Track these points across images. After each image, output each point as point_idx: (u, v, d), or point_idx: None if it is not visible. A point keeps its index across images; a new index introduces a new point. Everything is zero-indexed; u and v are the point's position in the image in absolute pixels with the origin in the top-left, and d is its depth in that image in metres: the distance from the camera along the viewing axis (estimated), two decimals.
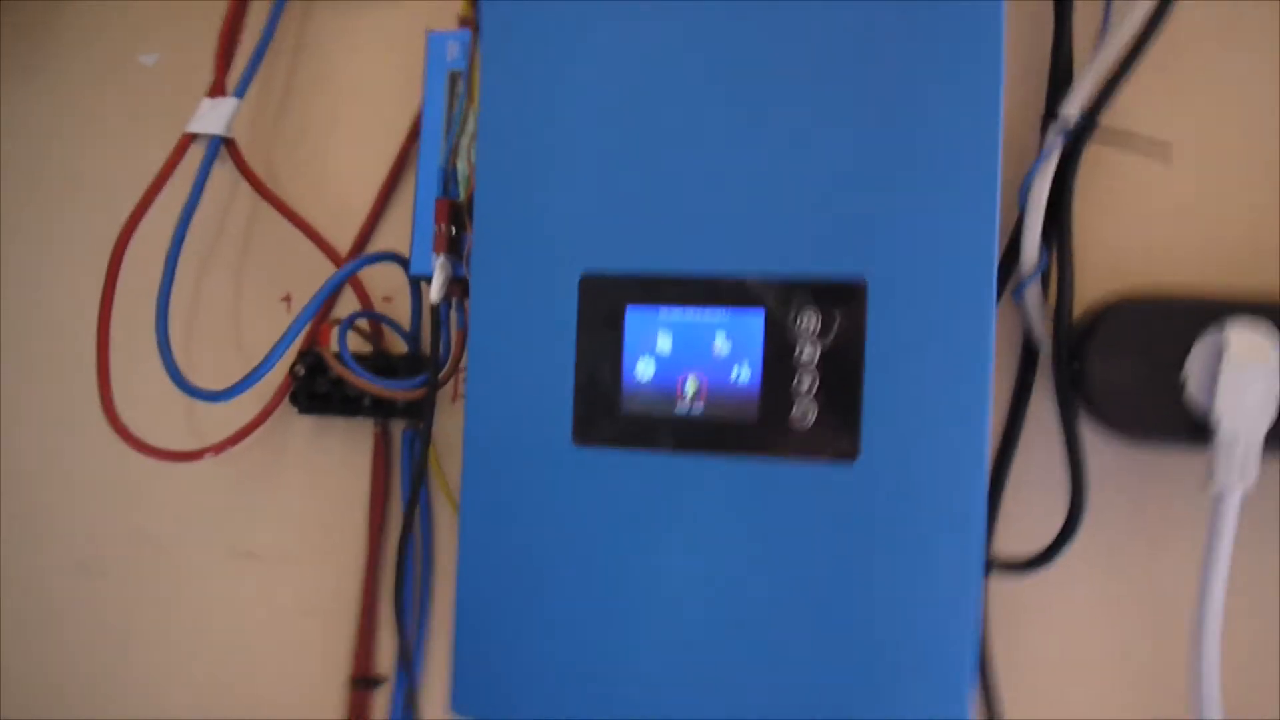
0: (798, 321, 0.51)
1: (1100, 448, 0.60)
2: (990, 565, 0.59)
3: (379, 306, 0.73)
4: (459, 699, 0.55)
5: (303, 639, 0.74)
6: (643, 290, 0.53)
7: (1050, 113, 0.59)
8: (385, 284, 0.73)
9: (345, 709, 0.73)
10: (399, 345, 0.72)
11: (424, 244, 0.63)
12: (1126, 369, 0.55)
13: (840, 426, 0.51)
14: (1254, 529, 0.57)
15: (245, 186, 0.74)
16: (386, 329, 0.72)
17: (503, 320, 0.55)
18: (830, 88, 0.51)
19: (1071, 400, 0.57)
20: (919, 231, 0.50)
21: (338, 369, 0.65)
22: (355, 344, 0.71)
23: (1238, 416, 0.52)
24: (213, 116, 0.70)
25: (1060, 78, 0.60)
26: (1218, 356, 0.53)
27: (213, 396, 0.66)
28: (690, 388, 0.53)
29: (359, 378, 0.64)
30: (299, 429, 0.74)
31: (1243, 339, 0.53)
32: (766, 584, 0.51)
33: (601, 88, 0.54)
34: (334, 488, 0.74)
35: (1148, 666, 0.61)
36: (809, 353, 0.51)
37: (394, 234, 0.73)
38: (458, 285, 0.63)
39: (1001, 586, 0.62)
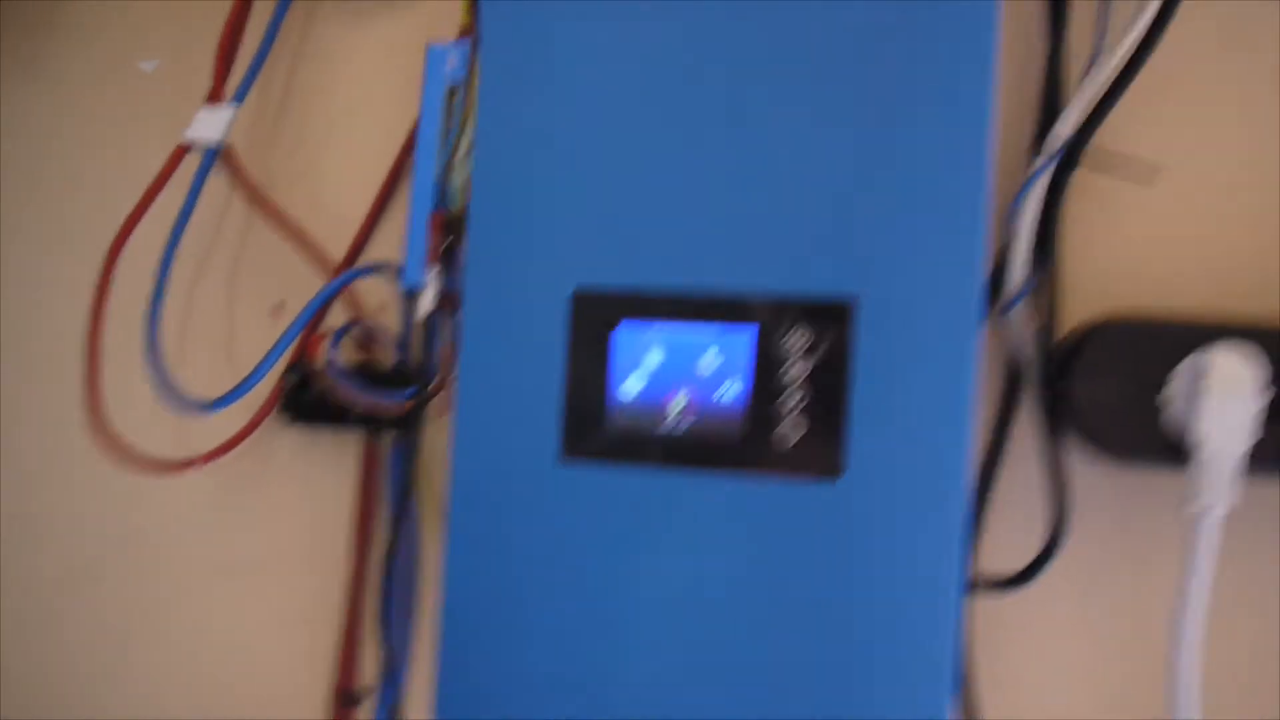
0: (786, 339, 0.52)
1: (1083, 467, 0.60)
2: (973, 582, 0.60)
3: (370, 317, 0.73)
4: (444, 712, 0.55)
5: (287, 649, 0.74)
6: (633, 306, 0.54)
7: (1040, 136, 0.60)
8: (377, 296, 0.73)
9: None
10: (389, 357, 0.72)
11: (417, 256, 0.64)
12: (1110, 390, 0.56)
13: (826, 444, 0.51)
14: (1234, 549, 0.57)
15: (239, 195, 0.74)
16: (377, 341, 0.72)
17: (493, 333, 0.55)
18: (821, 108, 0.52)
19: (1055, 419, 0.58)
20: (907, 251, 0.51)
21: (328, 381, 0.65)
22: (345, 356, 0.71)
23: (1218, 439, 0.53)
24: (210, 124, 0.70)
25: (1051, 102, 0.60)
26: (1199, 379, 0.53)
27: (201, 408, 0.66)
28: (678, 404, 0.53)
29: (348, 390, 0.65)
30: (287, 439, 0.75)
31: (1224, 363, 0.53)
32: (752, 599, 0.52)
33: (595, 105, 0.55)
34: (321, 498, 0.74)
35: (1128, 684, 0.61)
36: (796, 370, 0.52)
37: (388, 244, 0.74)
38: (450, 298, 0.63)
39: (985, 603, 0.63)
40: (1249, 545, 0.59)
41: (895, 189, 0.51)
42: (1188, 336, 0.55)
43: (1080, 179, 0.61)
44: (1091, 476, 0.61)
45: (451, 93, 0.65)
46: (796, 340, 0.52)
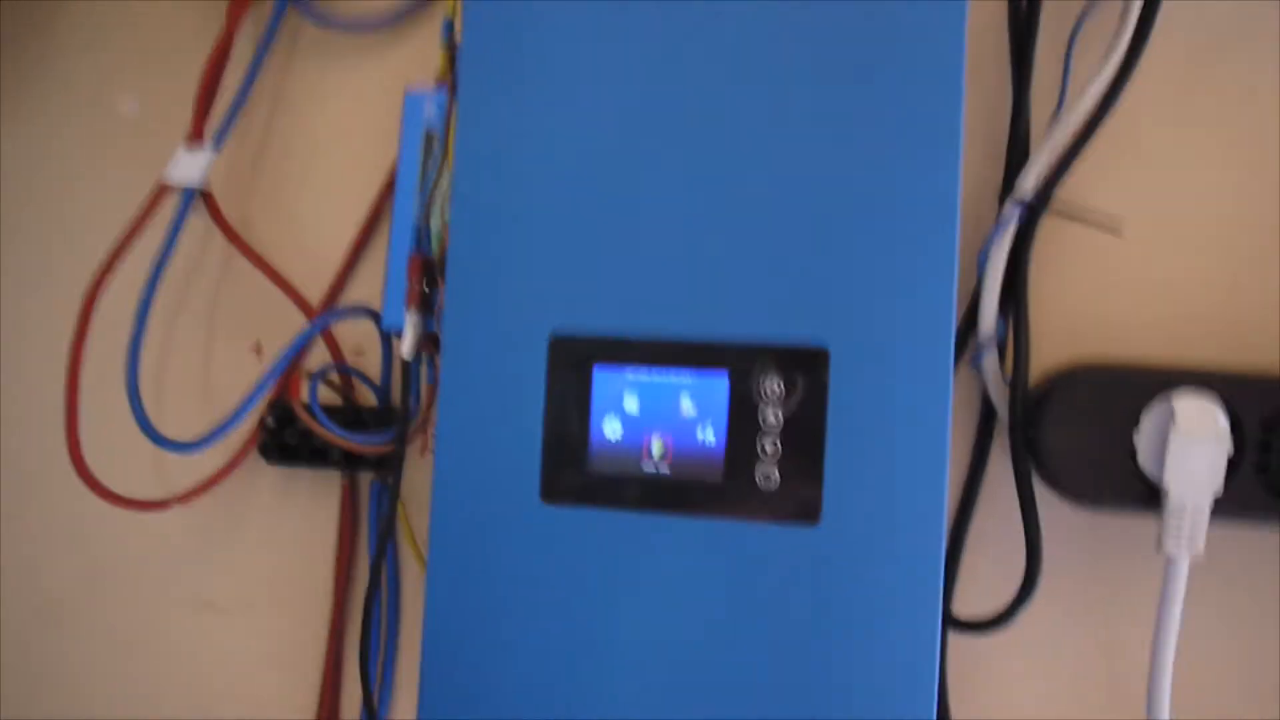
0: (762, 386, 0.53)
1: (1056, 510, 0.61)
2: (949, 624, 0.60)
3: (350, 359, 0.73)
4: None
5: (266, 691, 0.74)
6: (611, 351, 0.54)
7: (1007, 187, 0.61)
8: (356, 337, 0.74)
9: None
10: (369, 397, 0.73)
11: (396, 299, 0.64)
12: (1079, 436, 0.57)
13: (803, 488, 0.52)
14: (1204, 593, 0.59)
15: (219, 236, 0.74)
16: (357, 381, 0.73)
17: (473, 377, 0.56)
18: (795, 160, 0.53)
19: (1027, 465, 0.59)
20: (880, 300, 0.52)
21: (307, 421, 0.65)
22: (325, 396, 0.71)
23: (1185, 485, 0.54)
24: (189, 167, 0.71)
25: (1017, 153, 0.62)
26: (1166, 427, 0.55)
27: (182, 448, 0.66)
28: (656, 448, 0.54)
29: (328, 431, 0.65)
30: (266, 479, 0.75)
31: (1190, 410, 0.54)
32: (731, 641, 0.52)
33: (572, 155, 0.56)
34: (300, 539, 0.74)
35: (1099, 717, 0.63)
36: (773, 416, 0.52)
37: (366, 286, 0.74)
38: (429, 340, 0.64)
39: (960, 644, 0.63)
40: (1218, 590, 0.61)
41: (868, 240, 0.52)
42: (1153, 384, 0.56)
43: (1046, 229, 0.62)
44: (1063, 519, 0.62)
45: (429, 138, 0.66)
46: (773, 386, 0.52)
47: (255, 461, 0.73)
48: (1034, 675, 0.63)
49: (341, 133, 0.76)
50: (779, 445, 0.52)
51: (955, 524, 0.63)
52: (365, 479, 0.73)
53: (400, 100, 0.67)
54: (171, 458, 0.75)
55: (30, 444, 0.79)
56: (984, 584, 0.63)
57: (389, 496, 0.66)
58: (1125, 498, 0.56)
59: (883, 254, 0.52)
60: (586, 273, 0.55)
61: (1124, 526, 0.62)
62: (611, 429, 0.54)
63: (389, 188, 0.73)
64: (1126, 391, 0.56)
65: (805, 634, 0.52)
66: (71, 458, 0.67)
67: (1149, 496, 0.55)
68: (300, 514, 0.74)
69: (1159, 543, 0.55)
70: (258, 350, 0.75)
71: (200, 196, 0.72)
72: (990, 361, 0.60)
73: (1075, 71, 0.61)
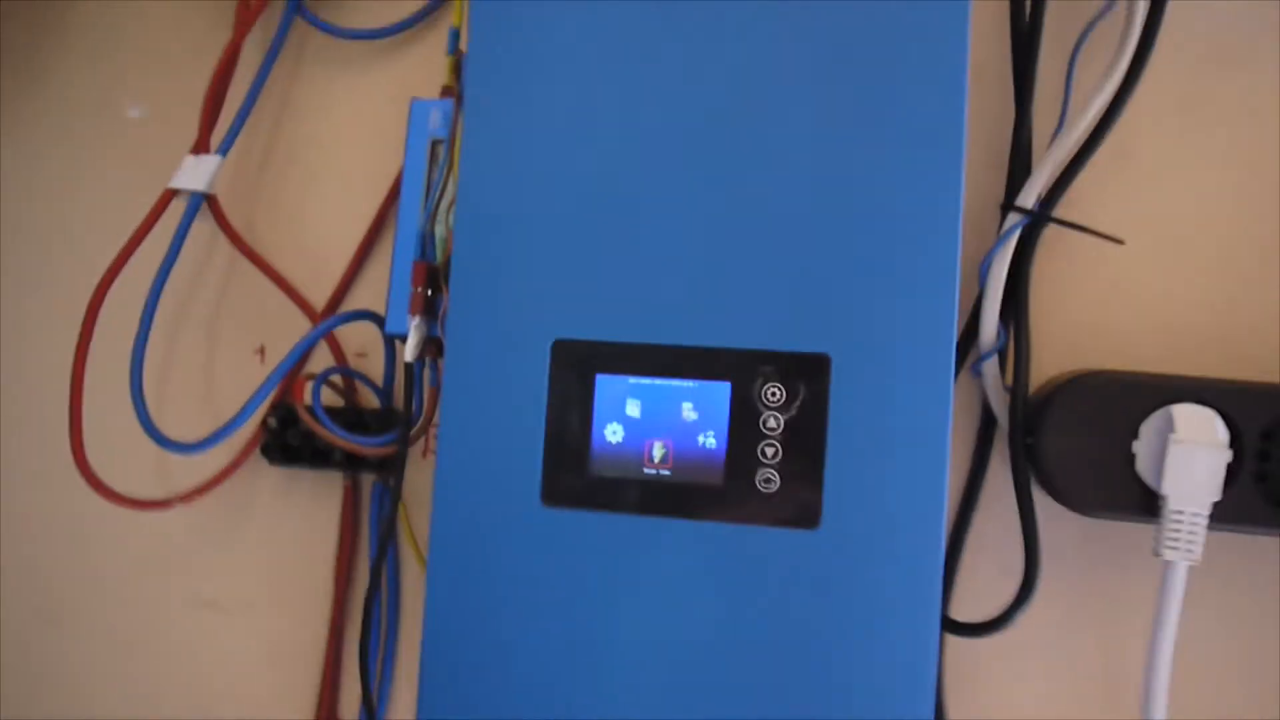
0: (763, 392, 0.53)
1: (1054, 516, 0.62)
2: (947, 628, 0.61)
3: (353, 362, 0.74)
4: None
5: (266, 689, 0.74)
6: (613, 358, 0.55)
7: (1010, 197, 0.62)
8: (359, 340, 0.74)
9: None
10: (372, 399, 0.73)
11: (400, 304, 0.65)
12: (1078, 443, 0.57)
13: (803, 493, 0.52)
14: (1201, 599, 0.59)
15: (224, 240, 0.75)
16: (359, 384, 0.73)
17: (476, 381, 0.56)
18: (797, 169, 0.54)
19: (1026, 472, 0.59)
20: (882, 308, 0.52)
21: (310, 423, 0.66)
22: (328, 398, 0.72)
23: (1183, 494, 0.54)
24: (196, 173, 0.71)
25: (1020, 164, 0.62)
26: (1165, 436, 0.55)
27: (185, 449, 0.66)
28: (658, 453, 0.54)
29: (331, 433, 0.65)
30: (268, 479, 0.75)
31: (1189, 418, 0.55)
32: (730, 644, 0.53)
33: (575, 164, 0.56)
34: (302, 539, 0.74)
35: None
36: (774, 422, 0.53)
37: (370, 291, 0.75)
38: (432, 345, 0.64)
39: (959, 649, 0.64)
40: (1217, 596, 0.61)
41: (870, 248, 0.53)
42: (1152, 394, 0.56)
43: (1048, 240, 0.63)
44: (1061, 525, 0.62)
45: (434, 146, 0.66)
46: (774, 392, 0.53)
47: (257, 462, 0.73)
48: (1031, 680, 0.63)
49: (347, 140, 0.76)
50: (780, 450, 0.53)
51: (954, 529, 0.63)
52: (367, 480, 0.73)
53: (406, 108, 0.67)
54: (174, 458, 0.75)
55: (33, 444, 0.80)
56: (983, 589, 0.63)
57: (390, 498, 0.66)
58: (1123, 505, 0.57)
59: (885, 262, 0.52)
60: (589, 279, 0.55)
61: (1122, 533, 0.62)
62: (613, 433, 0.54)
63: (393, 195, 0.73)
64: (1126, 400, 0.57)
65: (804, 636, 0.52)
66: (75, 457, 0.67)
67: (1147, 504, 0.56)
68: (302, 514, 0.74)
69: (1156, 549, 0.55)
70: (261, 353, 0.76)
71: (206, 202, 0.73)
72: (991, 369, 0.61)
73: (1078, 84, 0.62)
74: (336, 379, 0.73)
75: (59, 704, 0.78)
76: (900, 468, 0.52)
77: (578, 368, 0.55)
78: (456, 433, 0.56)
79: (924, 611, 0.51)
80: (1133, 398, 0.57)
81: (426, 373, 0.66)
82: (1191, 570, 0.55)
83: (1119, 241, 0.61)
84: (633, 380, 0.54)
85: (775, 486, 0.53)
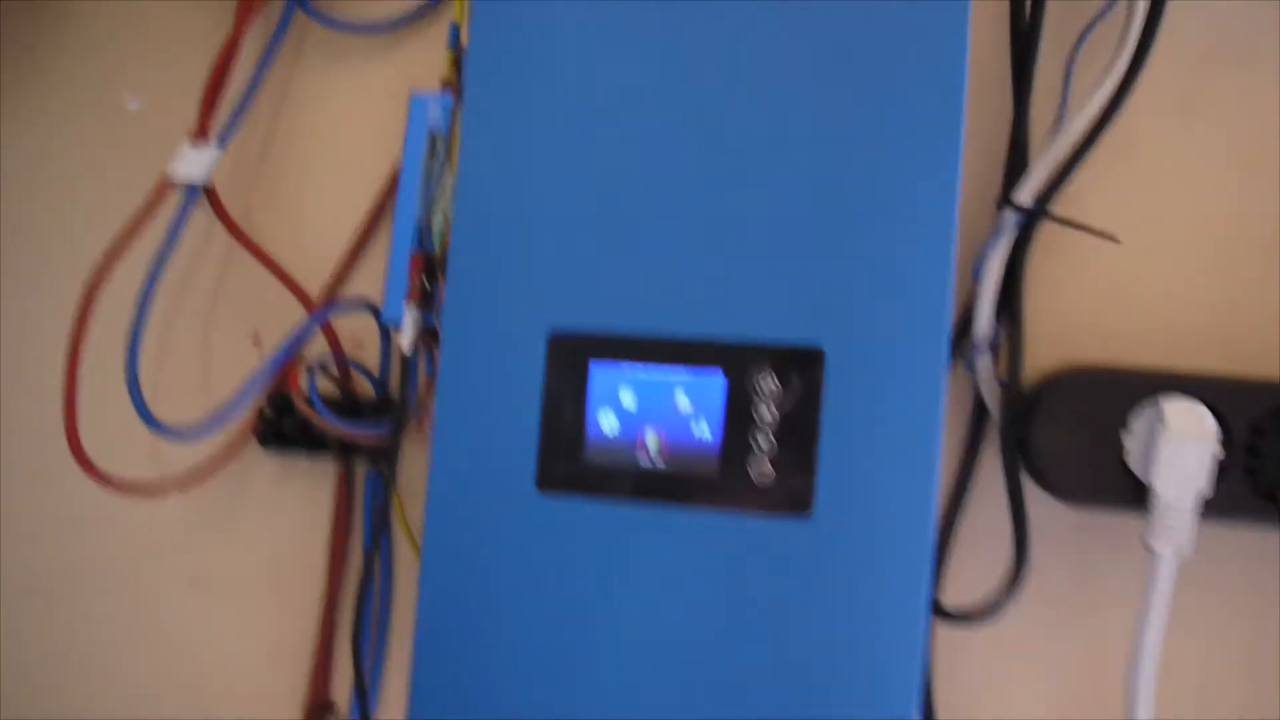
0: (757, 383, 0.53)
1: (1045, 508, 0.62)
2: (937, 616, 0.61)
3: (348, 351, 0.74)
4: None
5: (259, 674, 0.75)
6: (608, 347, 0.55)
7: (1006, 194, 0.62)
8: (355, 329, 0.74)
9: None
10: (367, 389, 0.73)
11: (396, 294, 0.65)
12: (1068, 436, 0.58)
13: (796, 483, 0.53)
14: (1189, 591, 0.59)
15: (220, 229, 0.75)
16: (355, 372, 0.73)
17: (471, 370, 0.56)
18: (793, 160, 0.54)
19: (1017, 464, 0.59)
20: (877, 301, 0.52)
21: (305, 411, 0.66)
22: (324, 387, 0.72)
23: (1173, 487, 0.55)
24: (194, 163, 0.71)
25: (1017, 159, 0.63)
26: (1155, 429, 0.55)
27: (180, 435, 0.66)
28: (652, 441, 0.54)
29: (326, 420, 0.66)
30: (263, 465, 0.75)
31: (1180, 412, 0.55)
32: (722, 630, 0.53)
33: (573, 156, 0.56)
34: (296, 525, 0.75)
35: (1084, 714, 0.63)
36: (768, 414, 0.53)
37: (366, 280, 0.75)
38: (428, 334, 0.65)
39: (948, 638, 0.64)
40: (1205, 588, 0.62)
41: (866, 240, 0.53)
42: (1142, 388, 0.57)
43: (1043, 236, 0.63)
44: (1052, 517, 0.63)
45: (433, 139, 0.67)
46: (768, 384, 0.53)
47: (253, 449, 0.73)
48: (1020, 669, 0.64)
49: (345, 132, 0.76)
50: (773, 441, 0.53)
51: (945, 519, 0.64)
52: (361, 468, 0.74)
53: (405, 102, 0.68)
54: (170, 445, 0.75)
55: (29, 431, 0.80)
56: (973, 578, 0.64)
57: (384, 485, 0.66)
58: (1113, 497, 0.57)
59: (881, 255, 0.53)
60: (586, 271, 0.56)
61: (1111, 525, 0.62)
62: (608, 422, 0.55)
63: (391, 186, 0.74)
64: (1117, 393, 0.57)
65: (796, 624, 0.52)
66: (70, 444, 0.67)
67: (1136, 496, 0.56)
68: (296, 501, 0.75)
69: (1146, 541, 0.55)
70: (256, 341, 0.76)
71: (204, 192, 0.73)
72: (984, 363, 0.61)
73: (1077, 82, 0.63)
74: (332, 367, 0.73)
75: (54, 689, 0.79)
76: (893, 459, 0.52)
77: (573, 357, 0.55)
78: (452, 421, 0.56)
79: (914, 600, 0.51)
80: (1123, 391, 0.57)
81: (422, 362, 0.67)
82: (1180, 562, 0.55)
83: (1114, 240, 0.62)
84: (628, 370, 0.55)
85: (769, 476, 0.53)
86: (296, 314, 0.74)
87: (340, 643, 0.73)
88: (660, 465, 0.54)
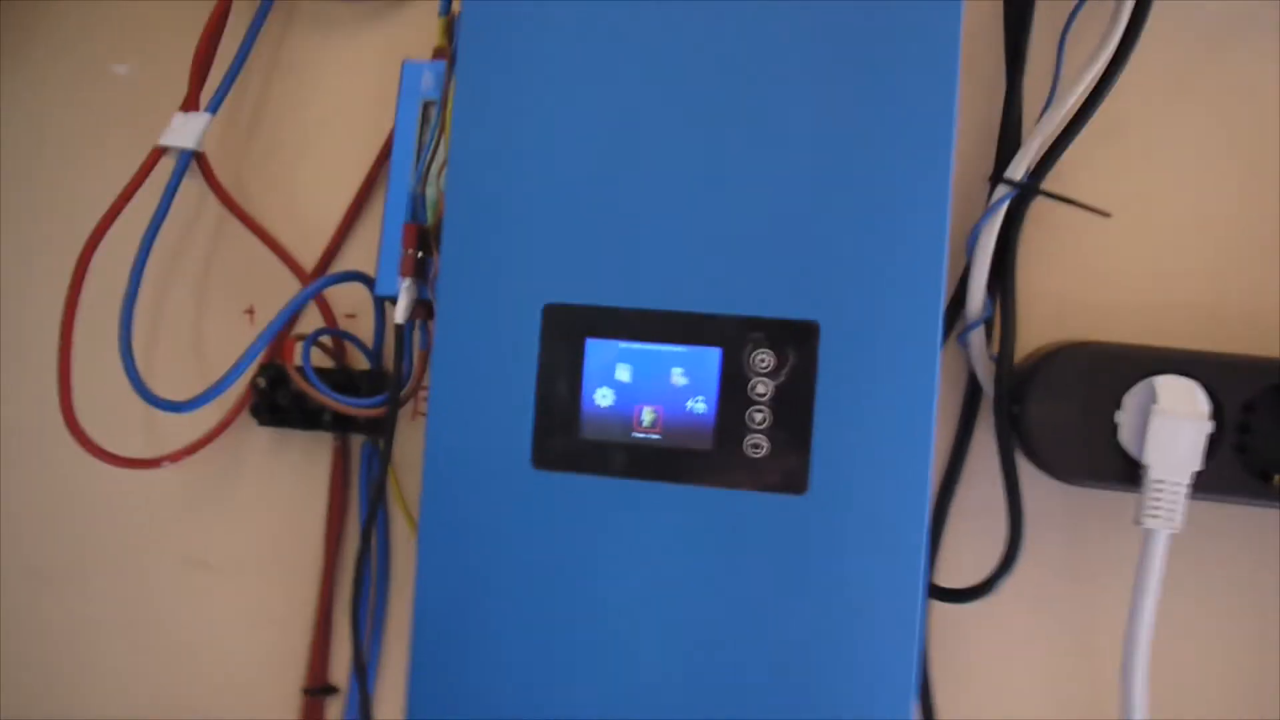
0: (752, 359, 0.53)
1: (1039, 484, 0.63)
2: (932, 593, 0.62)
3: (342, 323, 0.74)
4: (416, 712, 0.56)
5: (256, 649, 0.75)
6: (603, 322, 0.55)
7: (999, 171, 0.62)
8: (349, 302, 0.74)
9: (299, 718, 0.74)
10: (361, 361, 0.73)
11: (390, 266, 0.65)
12: (1062, 413, 0.58)
13: (791, 458, 0.53)
14: (1181, 566, 0.60)
15: (213, 200, 0.75)
16: (349, 346, 0.73)
17: (466, 344, 0.56)
18: (788, 136, 0.54)
19: (1010, 440, 0.60)
20: (871, 277, 0.52)
21: (300, 384, 0.66)
22: (318, 359, 0.72)
23: (1165, 464, 0.55)
24: (185, 131, 0.71)
25: (1010, 136, 0.63)
26: (1148, 406, 0.56)
27: (175, 407, 0.66)
28: (647, 417, 0.55)
29: (321, 393, 0.65)
30: (258, 440, 0.75)
31: (1172, 389, 0.56)
32: (718, 606, 0.53)
33: (568, 128, 0.56)
34: (291, 500, 0.75)
35: (1077, 689, 0.64)
36: (763, 388, 0.53)
37: (359, 252, 0.75)
38: (422, 307, 0.64)
39: (942, 615, 0.65)
40: (1196, 564, 0.62)
41: (860, 217, 0.53)
42: (1137, 364, 0.57)
43: (1035, 212, 0.63)
44: (1046, 494, 0.63)
45: (426, 108, 0.66)
46: (764, 359, 0.53)
47: (247, 422, 0.73)
48: (1014, 645, 0.65)
49: (338, 101, 0.76)
50: (769, 416, 0.53)
51: (940, 496, 0.64)
52: (356, 442, 0.74)
53: (397, 70, 0.67)
54: (163, 418, 0.75)
55: (23, 403, 0.80)
56: (967, 555, 0.64)
57: (380, 460, 0.66)
58: (1106, 474, 0.57)
59: (875, 231, 0.53)
60: (581, 243, 0.55)
61: (1104, 502, 0.63)
62: (603, 397, 0.55)
63: (384, 156, 0.73)
64: (1110, 371, 0.57)
65: (790, 600, 0.52)
66: (64, 416, 0.67)
67: (1129, 473, 0.57)
68: (292, 475, 0.75)
69: (1138, 517, 0.56)
70: (250, 313, 0.76)
71: (195, 159, 0.72)
72: (977, 339, 0.62)
73: (1069, 59, 0.62)
74: (326, 340, 0.73)
75: (50, 662, 0.79)
76: (887, 434, 0.52)
77: (568, 332, 0.55)
78: (447, 395, 0.56)
79: (909, 576, 0.52)
80: (1116, 368, 0.57)
81: (416, 335, 0.66)
82: (1172, 538, 0.56)
83: (1105, 214, 0.62)
84: (623, 345, 0.55)
85: (764, 452, 0.53)
86: (290, 285, 0.74)
87: (339, 618, 0.74)
88: (656, 441, 0.54)
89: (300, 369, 0.66)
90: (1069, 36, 0.62)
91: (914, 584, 0.52)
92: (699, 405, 0.54)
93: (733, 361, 0.54)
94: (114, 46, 0.80)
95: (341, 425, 0.71)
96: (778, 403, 0.53)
